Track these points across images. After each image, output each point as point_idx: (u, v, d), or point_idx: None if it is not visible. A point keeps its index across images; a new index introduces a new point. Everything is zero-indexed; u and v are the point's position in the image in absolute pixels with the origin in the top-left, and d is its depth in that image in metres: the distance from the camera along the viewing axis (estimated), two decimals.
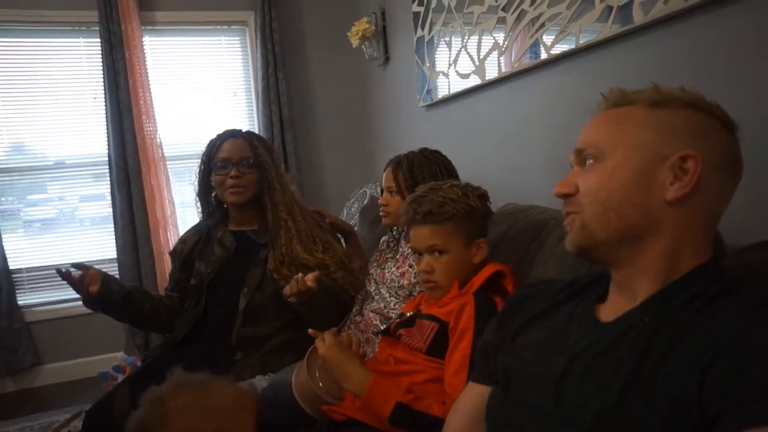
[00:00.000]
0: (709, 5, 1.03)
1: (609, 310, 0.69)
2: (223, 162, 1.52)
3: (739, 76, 1.00)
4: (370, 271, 1.54)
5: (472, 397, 0.82)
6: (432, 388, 1.03)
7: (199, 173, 1.61)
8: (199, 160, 1.60)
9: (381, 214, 1.51)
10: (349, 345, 1.08)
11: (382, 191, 1.52)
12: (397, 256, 1.48)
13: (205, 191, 1.63)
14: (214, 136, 1.60)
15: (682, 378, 0.53)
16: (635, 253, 0.66)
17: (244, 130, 1.61)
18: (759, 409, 0.47)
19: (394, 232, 1.58)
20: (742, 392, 0.48)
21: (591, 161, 0.68)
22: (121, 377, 2.45)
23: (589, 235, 0.67)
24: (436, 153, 1.49)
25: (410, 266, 1.41)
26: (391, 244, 1.56)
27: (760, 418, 0.46)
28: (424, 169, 1.42)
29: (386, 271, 1.47)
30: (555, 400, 0.64)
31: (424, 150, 1.49)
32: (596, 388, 0.60)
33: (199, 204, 1.66)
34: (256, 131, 2.96)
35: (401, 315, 1.22)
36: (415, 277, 1.39)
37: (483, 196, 1.18)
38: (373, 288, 1.50)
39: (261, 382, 1.28)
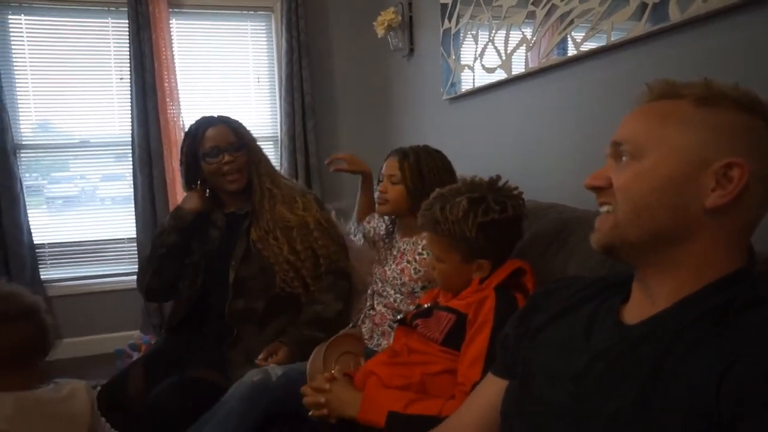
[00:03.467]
0: (750, 4, 1.01)
1: (633, 312, 0.68)
2: (213, 150, 1.56)
3: None
4: (374, 270, 1.55)
5: (490, 389, 0.82)
6: (445, 379, 1.05)
7: (184, 164, 1.62)
8: (180, 152, 1.63)
9: (378, 201, 1.48)
10: (336, 377, 1.14)
11: (379, 180, 1.52)
12: (395, 253, 1.49)
13: (193, 181, 1.65)
14: (187, 129, 1.63)
15: (700, 382, 0.53)
16: (664, 258, 0.63)
17: (218, 115, 1.64)
18: None
19: (387, 224, 1.59)
20: (759, 400, 0.48)
21: (627, 157, 0.65)
22: (136, 355, 2.50)
23: (621, 236, 0.65)
24: (439, 152, 1.50)
25: (408, 262, 1.42)
26: (386, 240, 1.57)
27: None
28: (430, 163, 1.44)
29: (387, 269, 1.49)
30: (572, 399, 0.64)
31: (427, 146, 1.50)
32: (615, 388, 0.60)
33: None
34: (278, 118, 3.01)
35: (418, 306, 1.22)
36: (415, 273, 1.40)
37: (486, 225, 1.07)
38: (380, 286, 1.51)
39: (276, 369, 1.29)
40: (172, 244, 1.59)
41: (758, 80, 1.00)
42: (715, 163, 0.60)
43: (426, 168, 1.43)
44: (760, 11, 1.00)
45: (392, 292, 1.46)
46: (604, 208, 0.68)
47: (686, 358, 0.56)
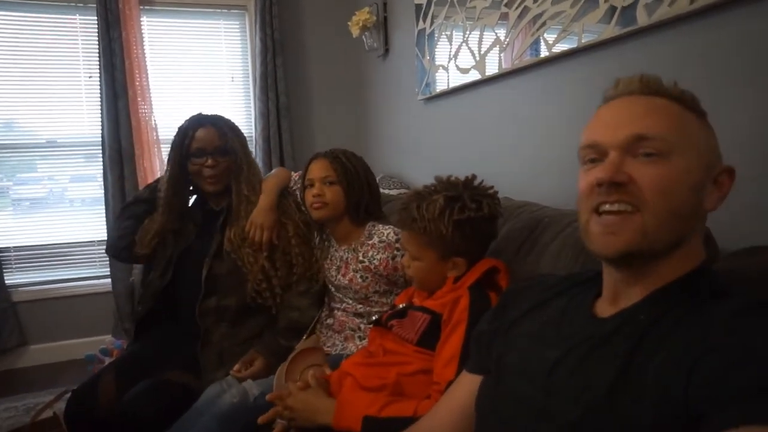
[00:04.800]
0: (714, 8, 1.04)
1: (606, 306, 0.69)
2: (198, 151, 1.56)
3: (744, 80, 1.00)
4: (326, 273, 1.53)
5: (465, 386, 0.82)
6: (420, 379, 1.05)
7: (172, 159, 1.60)
8: (169, 156, 1.62)
9: (316, 206, 1.45)
10: (310, 383, 1.14)
11: (305, 185, 1.50)
12: (339, 264, 1.48)
13: (179, 177, 1.62)
14: (180, 126, 1.61)
15: (668, 375, 0.54)
16: (660, 263, 0.63)
17: (211, 115, 1.63)
18: (743, 409, 0.48)
19: (320, 232, 1.60)
20: (726, 393, 0.49)
21: (654, 154, 0.61)
22: (108, 360, 2.44)
23: (650, 242, 0.60)
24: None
25: (354, 271, 1.42)
26: (326, 245, 1.56)
27: (743, 419, 0.47)
28: (355, 161, 1.48)
29: (334, 278, 1.48)
30: (545, 393, 0.65)
31: (343, 149, 1.53)
32: (586, 382, 0.61)
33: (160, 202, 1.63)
34: (252, 118, 2.98)
35: (393, 306, 1.23)
36: (363, 280, 1.41)
37: (462, 223, 1.07)
38: (333, 290, 1.51)
39: (253, 389, 1.28)
40: (140, 213, 1.65)
41: (719, 81, 1.04)
42: (716, 168, 0.64)
43: (358, 165, 1.46)
44: (721, 16, 1.03)
45: (347, 299, 1.46)
46: (620, 207, 0.62)
47: (656, 351, 0.57)
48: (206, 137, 1.57)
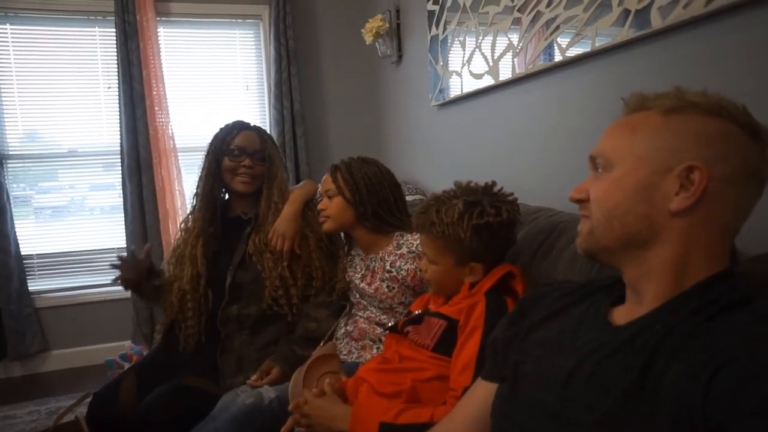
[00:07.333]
0: (729, 11, 1.03)
1: (621, 314, 0.69)
2: (239, 150, 1.60)
3: (761, 84, 0.99)
4: (349, 280, 1.52)
5: (481, 393, 0.82)
6: (436, 385, 1.05)
7: (210, 155, 1.62)
8: (207, 151, 1.63)
9: (321, 220, 1.49)
10: (326, 390, 1.15)
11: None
12: (364, 272, 1.47)
13: (215, 173, 1.63)
14: (224, 125, 1.66)
15: (685, 385, 0.53)
16: (639, 259, 0.66)
17: (252, 125, 1.68)
18: (762, 422, 0.47)
19: (343, 239, 1.60)
20: (746, 405, 0.48)
21: (601, 170, 0.70)
22: (127, 365, 2.47)
23: (595, 241, 0.69)
24: (373, 160, 1.51)
25: (381, 280, 1.41)
26: (352, 254, 1.56)
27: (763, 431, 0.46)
28: (363, 169, 1.45)
29: (358, 286, 1.48)
30: (560, 401, 0.65)
31: (360, 156, 1.51)
32: (602, 390, 0.61)
33: (197, 199, 1.64)
34: (267, 126, 3.01)
35: (409, 312, 1.23)
36: (389, 290, 1.40)
37: (480, 227, 1.07)
38: (357, 297, 1.50)
39: (269, 392, 1.29)
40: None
41: (735, 85, 1.03)
42: (677, 168, 0.62)
43: (359, 174, 1.43)
44: (736, 19, 1.02)
45: (370, 306, 1.45)
46: (583, 213, 0.73)
47: (671, 361, 0.57)
48: (249, 139, 1.62)
